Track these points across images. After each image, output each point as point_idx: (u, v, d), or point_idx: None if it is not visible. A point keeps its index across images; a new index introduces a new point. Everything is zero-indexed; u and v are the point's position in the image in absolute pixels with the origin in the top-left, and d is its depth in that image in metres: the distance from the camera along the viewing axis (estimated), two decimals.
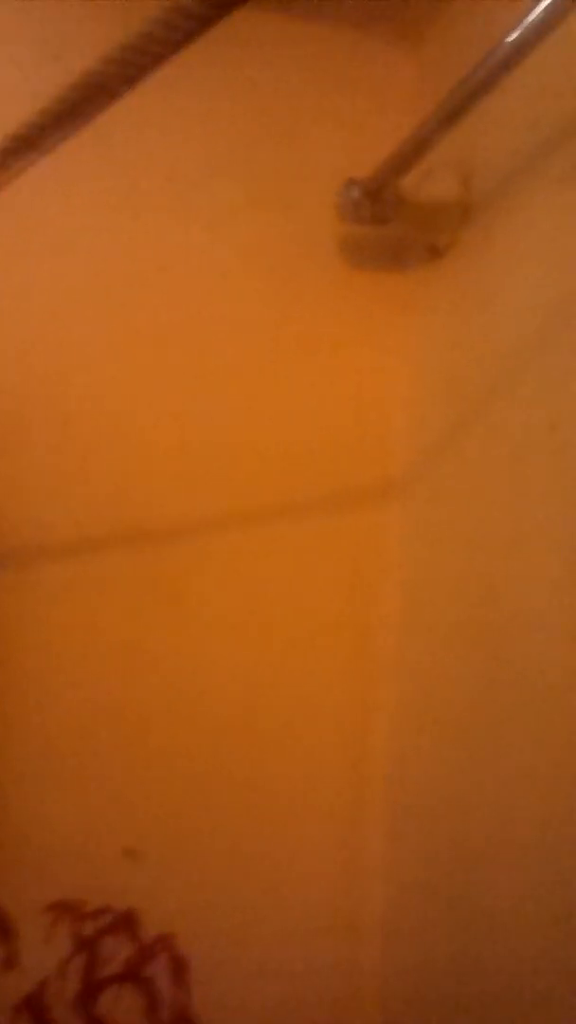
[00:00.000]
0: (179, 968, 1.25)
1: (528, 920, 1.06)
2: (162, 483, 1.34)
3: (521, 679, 1.14)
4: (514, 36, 1.08)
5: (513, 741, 1.14)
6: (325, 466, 1.40)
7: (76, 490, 1.32)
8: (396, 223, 1.39)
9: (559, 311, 1.17)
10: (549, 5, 1.03)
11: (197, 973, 1.25)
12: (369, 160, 1.34)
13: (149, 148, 1.40)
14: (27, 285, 1.33)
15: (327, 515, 1.40)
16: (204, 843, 1.29)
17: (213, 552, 1.34)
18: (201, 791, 1.29)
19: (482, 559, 1.25)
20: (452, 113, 1.21)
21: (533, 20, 1.06)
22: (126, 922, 1.25)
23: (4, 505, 1.28)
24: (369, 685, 1.37)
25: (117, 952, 1.24)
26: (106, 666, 1.29)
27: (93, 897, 1.24)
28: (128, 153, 1.39)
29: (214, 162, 1.42)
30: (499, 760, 1.15)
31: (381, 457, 1.42)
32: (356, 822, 1.34)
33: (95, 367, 1.35)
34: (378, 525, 1.40)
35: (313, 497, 1.39)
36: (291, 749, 1.34)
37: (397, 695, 1.36)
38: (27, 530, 1.30)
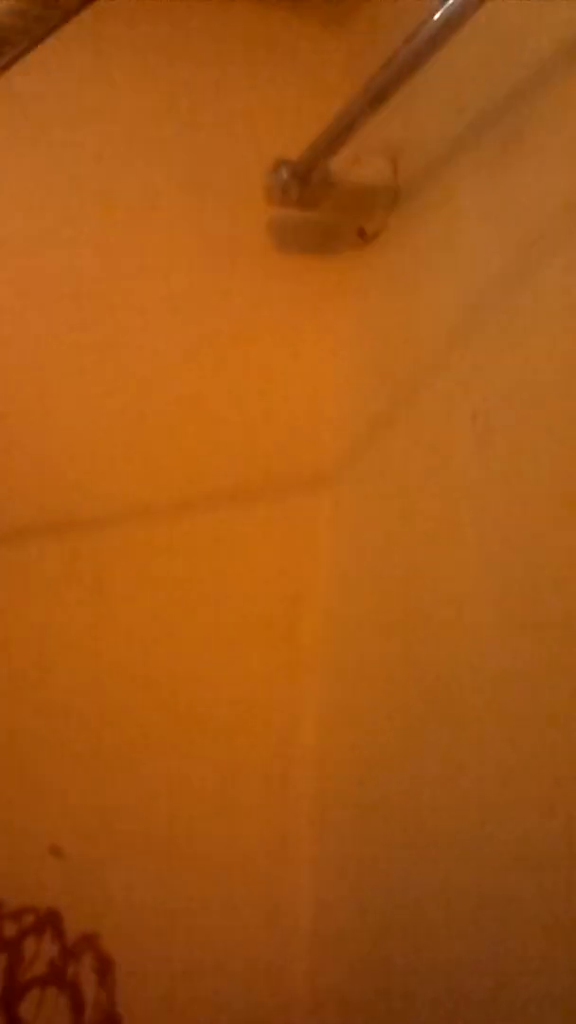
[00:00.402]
0: (104, 968, 1.23)
1: (457, 918, 1.05)
2: (86, 470, 1.31)
3: (447, 671, 1.12)
4: (439, 15, 1.07)
5: (440, 734, 1.12)
6: (254, 454, 1.38)
7: None
8: (325, 207, 1.37)
9: (483, 298, 1.16)
10: None
11: (122, 973, 1.22)
12: (298, 143, 1.31)
13: (77, 129, 1.37)
14: None
15: (255, 505, 1.37)
16: (129, 841, 1.25)
17: (137, 541, 1.31)
18: (126, 788, 1.26)
19: (408, 550, 1.23)
20: (379, 94, 1.19)
21: (457, 2, 1.05)
22: (49, 922, 1.21)
23: None
24: (297, 678, 1.35)
25: (40, 953, 1.21)
26: (26, 657, 1.25)
27: (14, 897, 1.21)
28: (55, 134, 1.36)
29: (142, 144, 1.39)
30: (425, 754, 1.14)
31: (311, 446, 1.40)
32: (284, 819, 1.32)
33: (17, 352, 1.32)
34: (308, 515, 1.38)
35: (241, 486, 1.37)
36: (217, 745, 1.31)
37: (325, 688, 1.34)
38: None
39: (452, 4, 1.05)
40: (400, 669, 1.21)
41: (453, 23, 1.06)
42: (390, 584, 1.26)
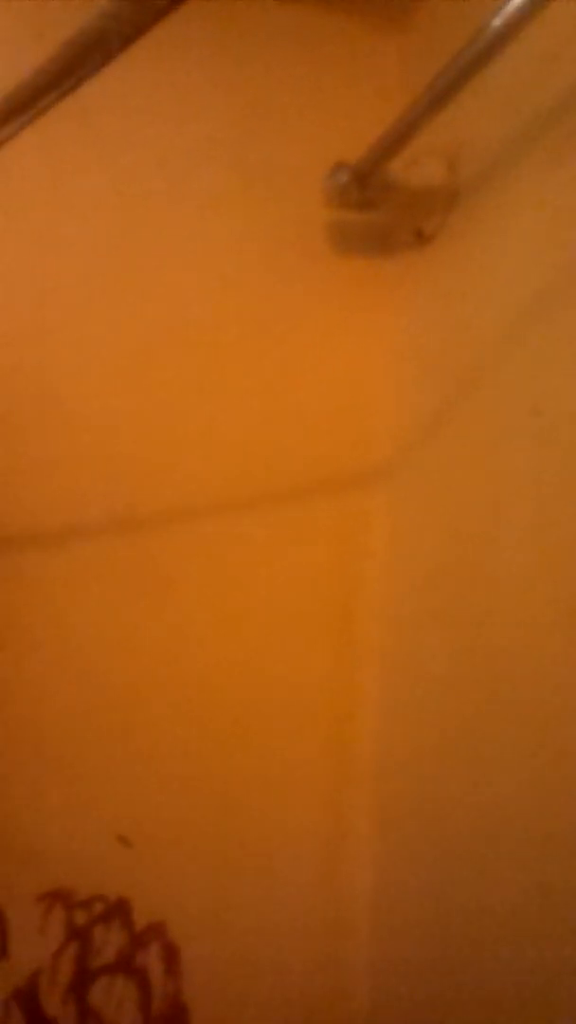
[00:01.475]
0: (171, 957, 1.25)
1: (521, 913, 1.06)
2: (149, 470, 1.33)
3: (505, 667, 1.14)
4: (499, 20, 1.08)
5: (500, 729, 1.13)
6: (311, 452, 1.40)
7: (62, 478, 1.31)
8: (383, 209, 1.39)
9: (543, 296, 1.17)
10: None
11: (188, 962, 1.25)
12: (357, 146, 1.33)
13: (140, 133, 1.40)
14: (14, 272, 1.33)
15: (312, 501, 1.39)
16: (194, 831, 1.28)
17: (199, 539, 1.34)
18: (191, 779, 1.29)
19: (464, 546, 1.24)
20: (438, 97, 1.20)
21: (518, 4, 1.06)
22: (118, 911, 1.24)
23: None
24: (355, 673, 1.36)
25: (109, 941, 1.24)
26: (95, 655, 1.28)
27: (85, 886, 1.24)
28: (119, 138, 1.39)
29: (204, 147, 1.41)
30: (485, 748, 1.15)
31: (366, 443, 1.42)
32: (343, 812, 1.34)
33: (83, 354, 1.34)
34: (363, 511, 1.40)
35: (299, 483, 1.39)
36: (277, 738, 1.33)
37: (383, 684, 1.35)
38: (11, 519, 1.29)
39: (514, 5, 1.06)
40: (458, 665, 1.22)
41: (516, 24, 1.07)
42: (447, 580, 1.27)
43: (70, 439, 1.32)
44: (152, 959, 1.25)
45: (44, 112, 0.99)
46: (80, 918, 1.23)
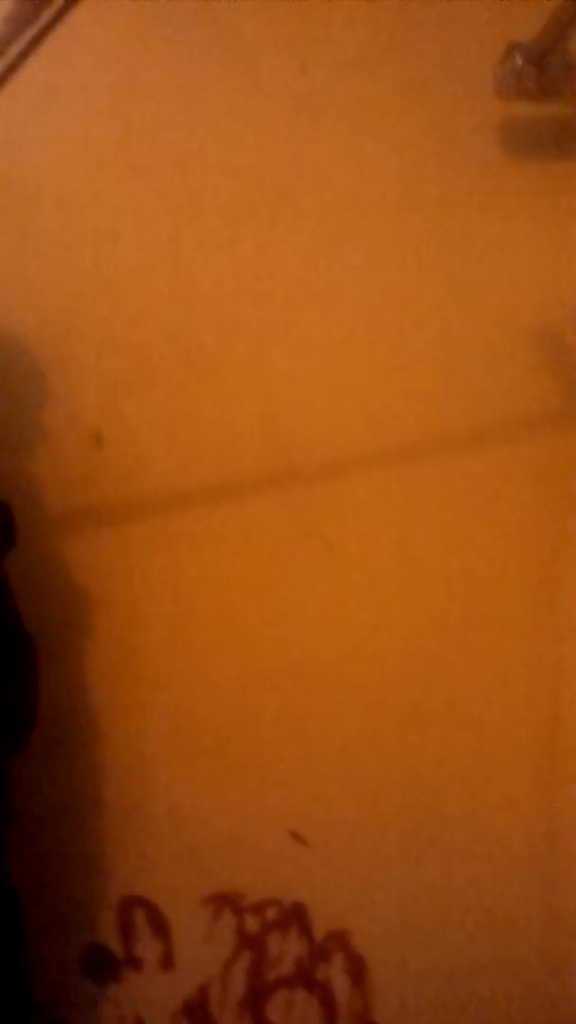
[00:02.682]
0: (356, 969, 1.10)
1: None
2: (308, 420, 1.19)
3: None
4: None
5: None
6: (493, 386, 1.20)
7: (214, 433, 1.19)
8: (566, 96, 1.18)
9: None
10: None
11: (377, 976, 1.10)
12: (531, 24, 1.13)
13: (280, 39, 1.23)
14: (154, 214, 1.20)
15: (501, 444, 1.20)
16: (379, 830, 1.13)
17: (368, 493, 1.18)
18: (370, 770, 1.14)
19: None
20: None
21: None
22: (295, 917, 1.10)
23: (141, 451, 1.17)
24: (560, 644, 1.17)
25: (286, 951, 1.10)
26: (256, 626, 1.15)
27: (255, 889, 1.10)
28: (257, 45, 1.23)
29: (353, 49, 1.24)
30: None
31: (561, 372, 1.21)
32: (553, 805, 1.16)
33: (230, 299, 1.21)
34: (564, 453, 1.19)
35: (482, 423, 1.20)
36: (472, 722, 1.16)
37: None
38: (165, 478, 1.18)
39: None
40: None
41: None
42: None
43: (219, 393, 1.19)
44: (336, 972, 1.10)
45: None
46: (252, 925, 1.10)
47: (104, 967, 1.12)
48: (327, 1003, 1.10)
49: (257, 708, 1.14)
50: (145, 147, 1.19)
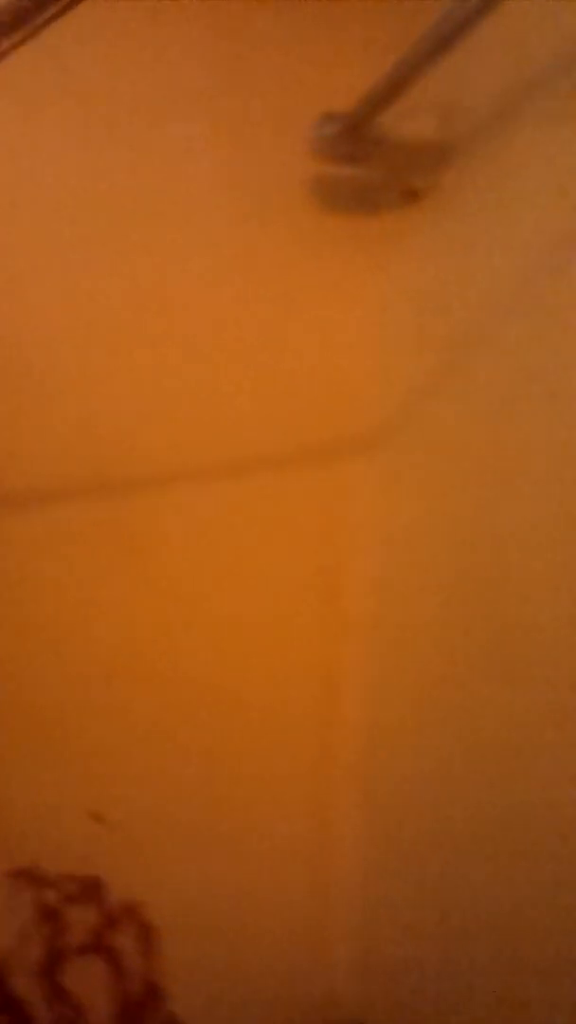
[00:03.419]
0: (146, 937, 1.21)
1: (509, 882, 1.04)
2: (126, 434, 1.28)
3: (502, 634, 1.11)
4: None
5: (495, 697, 1.10)
6: (297, 416, 1.35)
7: (35, 442, 1.25)
8: (373, 164, 1.33)
9: (541, 258, 1.13)
10: None
11: (166, 942, 1.21)
12: (348, 97, 1.27)
13: (110, 78, 1.32)
14: None
15: (298, 467, 1.34)
16: (171, 808, 1.24)
17: (180, 505, 1.29)
18: (169, 754, 1.24)
19: (462, 514, 1.21)
20: (436, 47, 1.15)
21: None
22: (92, 890, 1.20)
23: None
24: (342, 643, 1.33)
25: (82, 921, 1.19)
26: (69, 624, 1.23)
27: (56, 865, 1.19)
28: (89, 84, 1.31)
29: (180, 94, 1.34)
30: (480, 717, 1.12)
31: (354, 408, 1.37)
32: (328, 787, 1.30)
33: (52, 312, 1.28)
34: (352, 478, 1.35)
35: (283, 448, 1.34)
36: (260, 712, 1.29)
37: (371, 652, 1.32)
38: None
39: None
40: (452, 633, 1.18)
41: None
42: (440, 547, 1.23)
43: (41, 403, 1.26)
44: (127, 939, 1.21)
45: (11, 51, 0.93)
46: (51, 897, 1.19)
47: None
48: (118, 968, 1.20)
49: (67, 700, 1.21)
50: None
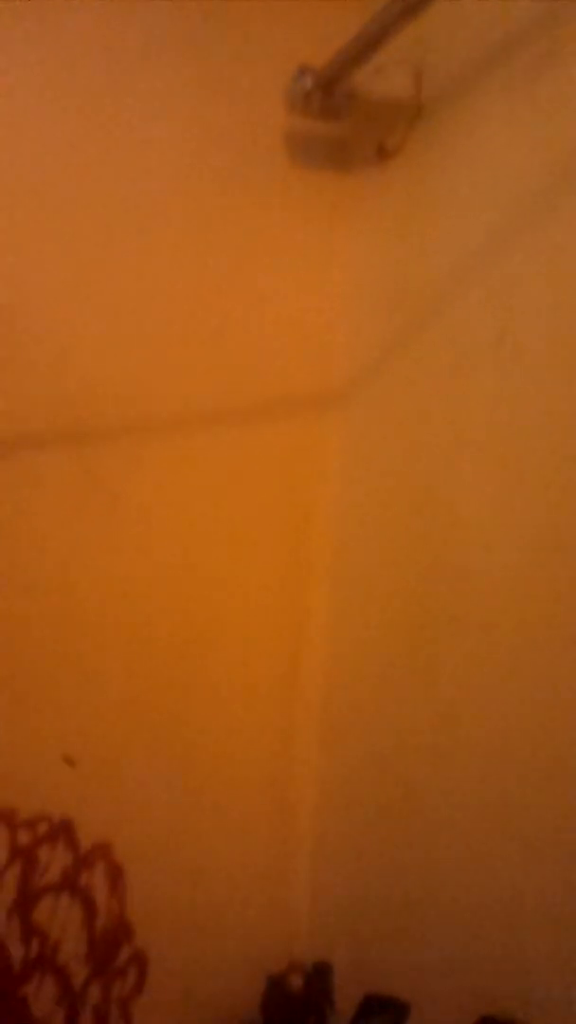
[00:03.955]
0: (115, 876, 1.24)
1: (464, 826, 1.08)
2: (100, 385, 1.29)
3: (459, 586, 1.14)
4: None
5: (449, 647, 1.14)
6: (265, 370, 1.37)
7: (7, 385, 1.25)
8: (346, 119, 1.34)
9: (511, 216, 1.15)
10: None
11: (134, 882, 1.24)
12: (323, 52, 1.28)
13: (84, 30, 1.31)
14: None
15: (266, 421, 1.36)
16: (142, 752, 1.26)
17: (151, 455, 1.30)
18: (137, 698, 1.27)
19: (421, 468, 1.24)
20: (409, 6, 1.16)
21: None
22: (63, 831, 1.22)
23: None
24: (305, 591, 1.36)
25: (54, 861, 1.22)
26: (38, 567, 1.24)
27: (28, 806, 1.21)
28: (62, 36, 1.30)
29: (154, 46, 1.34)
30: (435, 665, 1.16)
31: (322, 364, 1.39)
32: (290, 728, 1.34)
33: (27, 257, 1.28)
34: (317, 433, 1.38)
35: (252, 401, 1.36)
36: (227, 658, 1.32)
37: (333, 602, 1.35)
38: None
39: None
40: (412, 585, 1.22)
41: None
42: (402, 502, 1.26)
43: (13, 347, 1.26)
44: (97, 879, 1.24)
45: None
46: (24, 838, 1.21)
47: None
48: (88, 906, 1.23)
49: (37, 643, 1.23)
50: None
